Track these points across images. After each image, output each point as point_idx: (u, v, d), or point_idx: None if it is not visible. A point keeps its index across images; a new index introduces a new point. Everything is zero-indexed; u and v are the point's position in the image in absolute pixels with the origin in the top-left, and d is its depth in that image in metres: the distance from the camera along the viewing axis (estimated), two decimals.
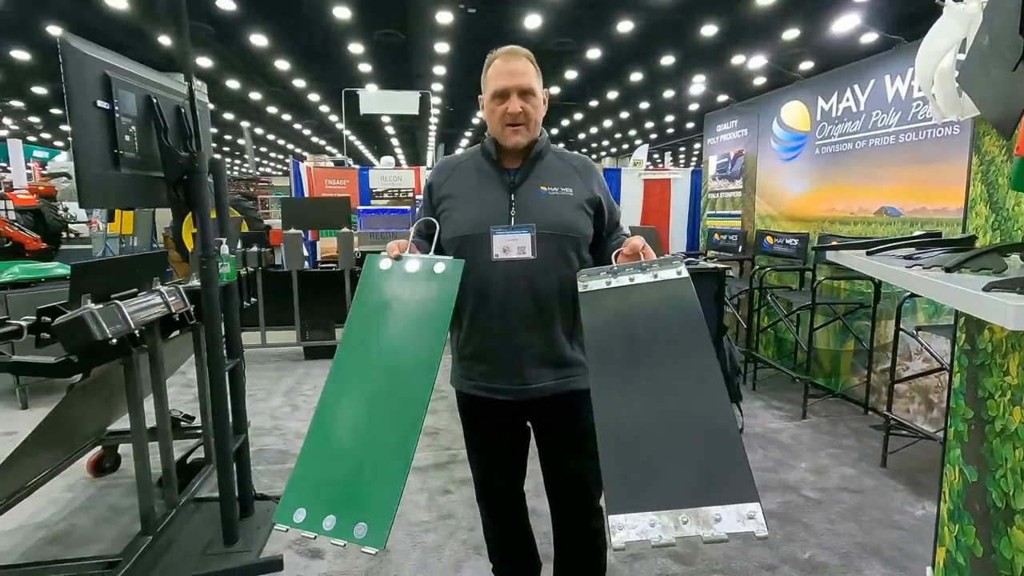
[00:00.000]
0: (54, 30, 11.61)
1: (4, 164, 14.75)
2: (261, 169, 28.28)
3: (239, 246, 4.60)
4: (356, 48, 12.78)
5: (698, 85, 14.41)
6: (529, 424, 1.65)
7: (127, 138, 1.85)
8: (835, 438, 3.37)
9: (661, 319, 1.18)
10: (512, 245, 1.45)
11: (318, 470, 1.08)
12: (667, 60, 13.15)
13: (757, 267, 4.43)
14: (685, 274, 1.22)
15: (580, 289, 1.27)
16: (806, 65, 12.20)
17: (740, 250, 4.92)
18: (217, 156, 2.28)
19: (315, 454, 1.10)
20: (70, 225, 15.20)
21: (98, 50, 1.78)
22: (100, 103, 1.75)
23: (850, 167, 3.88)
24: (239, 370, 2.42)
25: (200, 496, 2.51)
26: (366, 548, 0.96)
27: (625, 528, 0.93)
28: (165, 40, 12.15)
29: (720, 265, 3.31)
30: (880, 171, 3.64)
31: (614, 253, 1.38)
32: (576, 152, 1.66)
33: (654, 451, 1.02)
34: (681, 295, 1.19)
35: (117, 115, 1.80)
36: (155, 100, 2.00)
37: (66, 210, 15.05)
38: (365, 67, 14.10)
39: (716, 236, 5.28)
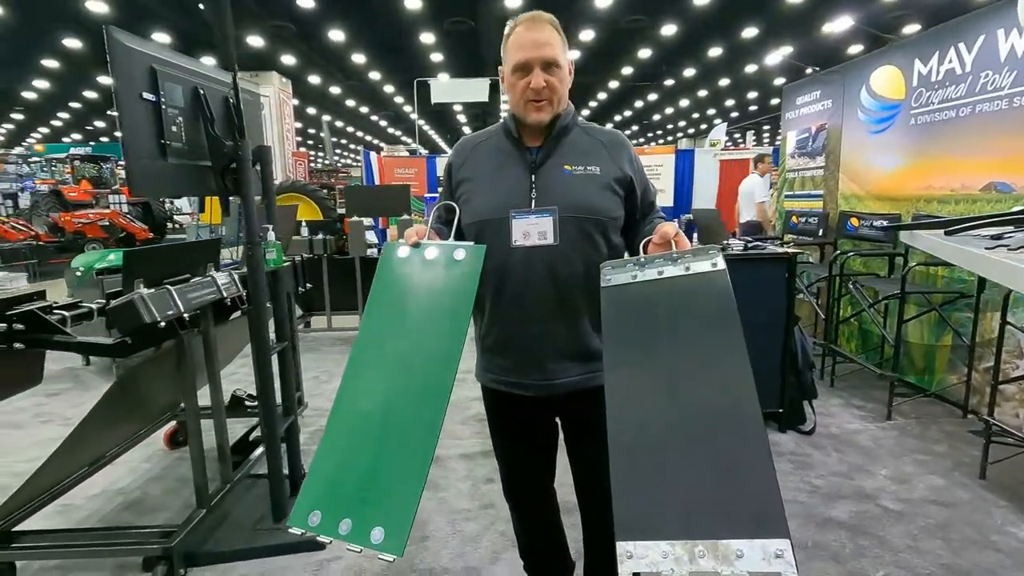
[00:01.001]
0: (161, 37, 12.66)
1: (120, 161, 16.33)
2: (342, 161, 29.55)
3: (305, 233, 4.81)
4: (427, 38, 12.97)
5: (783, 57, 13.41)
6: (558, 420, 1.57)
7: (174, 129, 1.92)
8: (925, 443, 3.01)
9: (689, 318, 1.04)
10: (532, 230, 1.35)
11: (334, 471, 1.02)
12: (749, 32, 12.34)
13: (838, 252, 4.03)
14: (721, 266, 1.07)
15: (603, 283, 1.15)
16: (910, 29, 11.00)
17: (820, 234, 4.50)
18: (267, 145, 2.34)
19: (331, 453, 1.05)
20: (175, 216, 16.69)
21: (145, 44, 1.85)
22: (146, 95, 1.82)
23: (952, 138, 3.42)
24: (287, 353, 2.49)
25: (256, 472, 2.63)
26: (383, 555, 0.89)
27: (634, 557, 0.84)
28: (255, 42, 12.91)
29: (791, 250, 3.03)
30: (988, 141, 3.17)
31: (643, 242, 1.25)
32: (607, 127, 1.53)
33: (672, 470, 0.91)
34: (715, 290, 1.05)
35: (163, 107, 1.88)
36: (202, 91, 2.06)
37: (172, 203, 16.53)
38: (436, 56, 14.30)
39: (794, 219, 4.86)
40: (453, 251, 1.21)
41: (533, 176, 1.36)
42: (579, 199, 1.34)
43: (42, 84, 16.60)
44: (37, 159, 17.52)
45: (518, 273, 1.35)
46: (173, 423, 3.10)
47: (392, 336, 1.14)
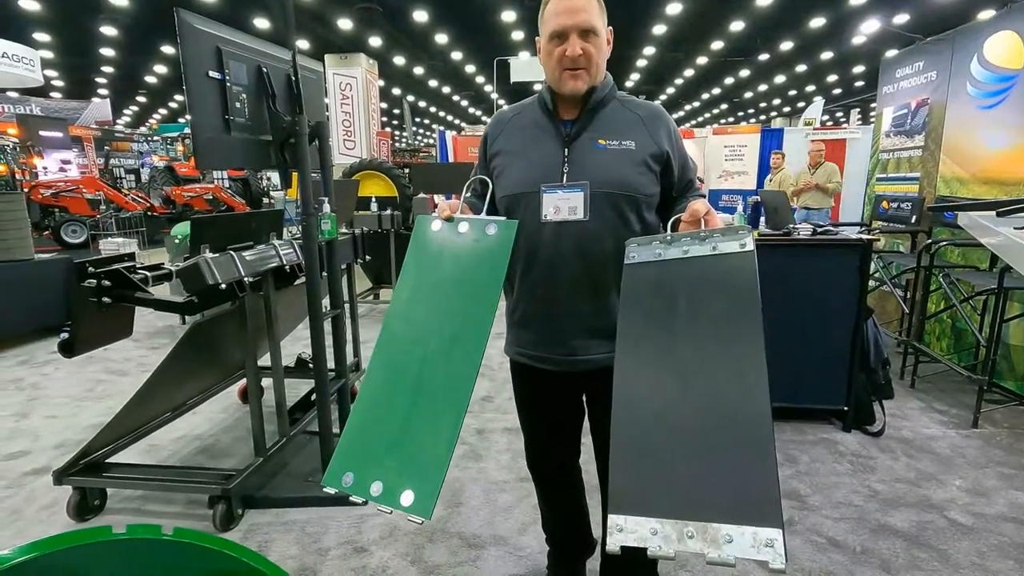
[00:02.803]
0: (260, 22, 13.50)
1: None
2: (424, 140, 30.32)
3: (375, 208, 5.01)
4: (508, 16, 12.92)
5: (890, 26, 12.12)
6: (584, 398, 1.57)
7: (237, 105, 2.06)
8: (1013, 455, 2.70)
9: (710, 299, 1.01)
10: (563, 205, 1.34)
11: (367, 435, 1.06)
12: None
13: (929, 241, 3.65)
14: (750, 247, 1.02)
15: (626, 260, 1.14)
16: None
17: (914, 221, 4.09)
18: (325, 121, 2.45)
19: (365, 419, 1.08)
20: (271, 192, 17.88)
21: (212, 25, 1.99)
22: (212, 73, 1.96)
23: None
24: (340, 320, 2.63)
25: (310, 430, 2.83)
26: (412, 517, 0.92)
27: (624, 531, 0.85)
28: (345, 24, 13.44)
29: (867, 237, 2.78)
30: None
31: (672, 220, 1.21)
32: (647, 100, 1.47)
33: (672, 449, 0.91)
34: (740, 273, 1.01)
35: (228, 84, 2.01)
36: (265, 69, 2.19)
37: (268, 179, 17.72)
38: (517, 34, 14.24)
39: (884, 204, 4.44)
40: (485, 226, 1.21)
41: (566, 150, 1.35)
42: (612, 175, 1.31)
43: (161, 69, 18.25)
44: (157, 138, 19.38)
45: (547, 248, 1.35)
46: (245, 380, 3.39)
47: (423, 307, 1.16)
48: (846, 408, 2.90)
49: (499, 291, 1.14)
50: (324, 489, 1.02)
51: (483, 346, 1.08)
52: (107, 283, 2.08)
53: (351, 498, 0.99)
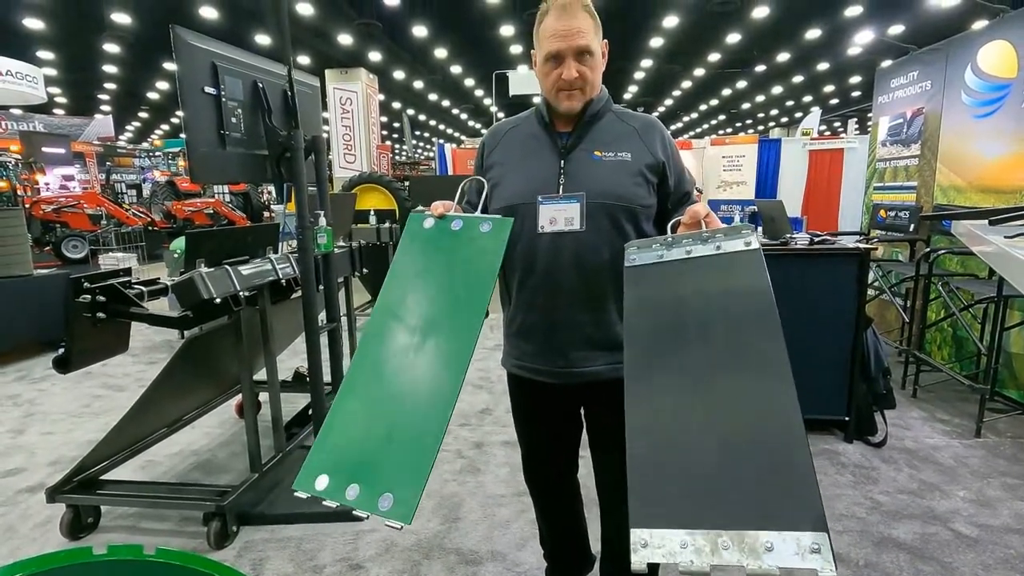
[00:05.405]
0: (262, 39, 13.63)
1: None
2: (424, 153, 30.47)
3: (373, 221, 5.02)
4: (507, 30, 13.04)
5: (885, 37, 12.22)
6: (583, 411, 1.55)
7: (233, 120, 2.07)
8: (1017, 465, 2.67)
9: (721, 299, 0.98)
10: (559, 216, 1.34)
11: (344, 437, 1.00)
12: (853, 10, 11.35)
13: (928, 250, 3.64)
14: (755, 245, 1.00)
15: (627, 263, 1.11)
16: None
17: (912, 229, 4.08)
18: (321, 135, 2.46)
19: (342, 419, 1.03)
20: (272, 206, 17.94)
21: (208, 41, 2.01)
22: (208, 89, 1.97)
23: None
24: (337, 333, 2.62)
25: (308, 444, 2.80)
26: (391, 522, 0.86)
27: (650, 546, 0.77)
28: (345, 40, 13.58)
29: (865, 246, 2.78)
30: None
31: (672, 222, 1.20)
32: (641, 112, 1.48)
33: (695, 455, 0.84)
34: (749, 271, 0.98)
35: (223, 99, 2.03)
36: (261, 84, 2.21)
37: (270, 193, 17.81)
38: (516, 48, 14.36)
39: (882, 213, 4.44)
40: (479, 224, 1.18)
41: (562, 162, 1.35)
42: (608, 186, 1.31)
43: (163, 85, 18.41)
44: (159, 153, 19.51)
45: (544, 259, 1.34)
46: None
47: (412, 306, 1.13)
48: (847, 418, 2.88)
49: (491, 290, 1.11)
50: (295, 494, 0.96)
51: (472, 345, 1.04)
52: (102, 298, 2.07)
53: (324, 502, 0.93)
